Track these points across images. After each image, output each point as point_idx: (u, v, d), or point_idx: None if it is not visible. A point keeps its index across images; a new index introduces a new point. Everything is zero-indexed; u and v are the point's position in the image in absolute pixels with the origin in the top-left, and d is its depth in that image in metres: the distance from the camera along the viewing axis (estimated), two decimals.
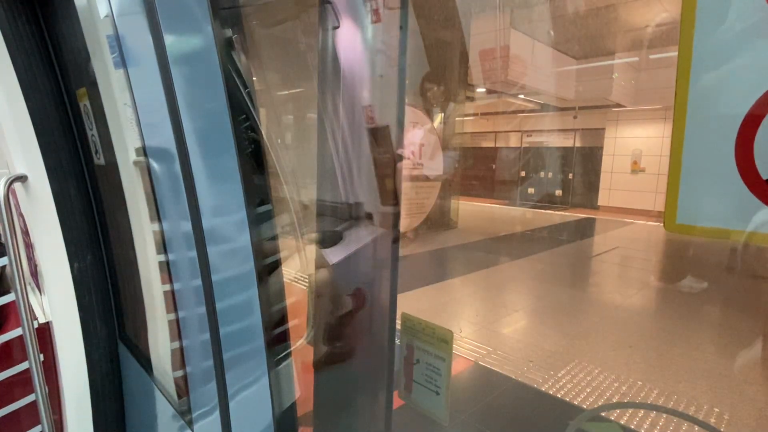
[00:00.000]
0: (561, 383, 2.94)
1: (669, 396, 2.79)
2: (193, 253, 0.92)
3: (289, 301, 1.13)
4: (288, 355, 1.11)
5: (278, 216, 1.12)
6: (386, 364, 1.03)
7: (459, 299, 4.73)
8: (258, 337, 0.97)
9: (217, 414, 1.02)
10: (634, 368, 3.17)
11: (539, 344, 3.58)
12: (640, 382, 2.95)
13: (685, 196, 0.30)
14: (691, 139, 0.30)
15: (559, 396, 2.79)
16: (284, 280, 1.11)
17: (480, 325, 3.96)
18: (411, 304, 4.27)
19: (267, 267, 1.02)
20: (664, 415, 2.60)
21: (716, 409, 2.63)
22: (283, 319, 1.11)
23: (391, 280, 1.06)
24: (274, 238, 1.07)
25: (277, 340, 1.07)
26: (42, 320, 1.42)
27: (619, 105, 10.45)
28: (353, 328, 1.09)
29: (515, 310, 4.47)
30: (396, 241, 1.10)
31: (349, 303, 1.08)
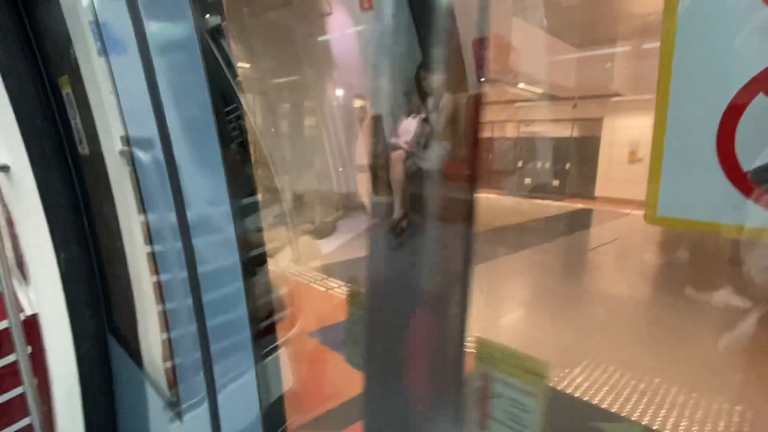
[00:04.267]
0: (577, 381, 2.80)
1: (688, 394, 2.68)
2: (178, 245, 0.91)
3: (278, 292, 1.12)
4: (276, 347, 1.11)
5: (266, 206, 1.10)
6: (452, 394, 0.85)
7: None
8: (245, 329, 0.96)
9: (205, 404, 1.02)
10: (649, 364, 3.01)
11: (550, 340, 3.43)
12: (657, 380, 2.80)
13: (666, 189, 0.29)
14: (673, 131, 0.29)
15: (576, 395, 2.65)
16: (272, 271, 1.10)
17: (487, 321, 3.84)
18: None
19: (253, 258, 1.01)
20: (687, 414, 2.52)
21: (738, 408, 2.50)
22: (271, 311, 1.10)
23: (461, 291, 0.84)
24: (261, 228, 1.06)
25: (264, 332, 1.06)
26: (29, 312, 1.40)
27: (618, 94, 10.35)
28: (412, 346, 0.86)
29: (521, 304, 4.34)
30: (469, 242, 0.83)
31: (408, 316, 0.87)
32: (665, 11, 0.28)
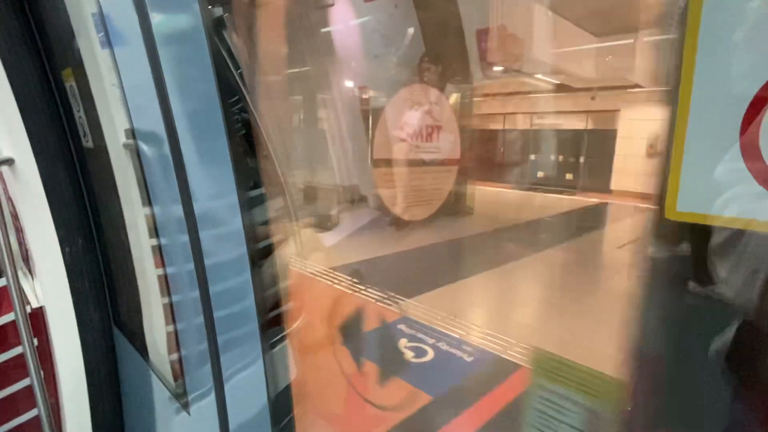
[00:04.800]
0: None
1: None
2: (185, 238, 0.91)
3: (284, 284, 1.12)
4: (283, 338, 1.11)
5: (272, 199, 1.10)
6: None
7: (500, 296, 4.15)
8: (252, 321, 0.97)
9: (212, 396, 1.02)
10: None
11: (611, 353, 3.01)
12: None
13: (687, 183, 0.29)
14: (695, 122, 0.29)
15: None
16: (279, 263, 1.11)
17: (537, 330, 3.37)
18: (445, 304, 3.69)
19: (260, 250, 1.01)
20: None
21: None
22: (277, 303, 1.10)
23: None
24: (267, 221, 1.06)
25: (271, 323, 1.06)
26: (35, 305, 1.41)
27: (638, 86, 9.99)
28: None
29: (567, 311, 3.78)
30: None
31: None
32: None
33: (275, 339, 1.09)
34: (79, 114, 1.26)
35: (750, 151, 0.26)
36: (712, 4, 0.27)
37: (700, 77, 0.27)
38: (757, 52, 0.26)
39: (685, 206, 0.30)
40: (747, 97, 0.25)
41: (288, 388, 1.13)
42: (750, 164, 0.26)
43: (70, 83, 1.24)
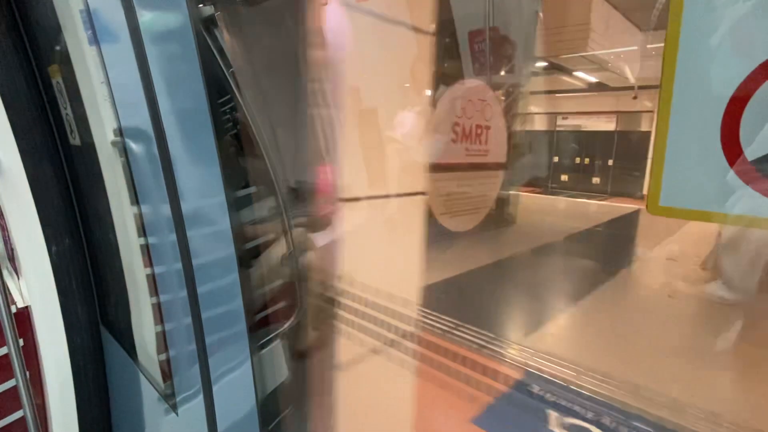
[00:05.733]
0: None
1: None
2: (173, 237, 0.90)
3: (273, 285, 1.11)
4: (271, 339, 1.11)
5: (261, 198, 1.09)
6: None
7: (634, 344, 2.82)
8: (240, 321, 0.96)
9: (201, 397, 1.02)
10: None
11: None
12: None
13: (669, 178, 0.29)
14: (677, 120, 0.29)
15: None
16: (268, 263, 1.10)
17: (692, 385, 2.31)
18: (565, 351, 2.58)
19: (249, 251, 1.00)
20: None
21: None
22: (266, 304, 1.10)
23: None
24: (257, 220, 1.05)
25: (260, 324, 1.06)
26: (21, 304, 1.39)
27: None
28: None
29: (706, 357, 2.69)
30: None
31: None
32: (671, 1, 0.28)
33: (264, 340, 1.08)
34: (66, 111, 1.24)
35: (731, 147, 0.26)
36: (692, 8, 0.27)
37: (681, 75, 0.28)
38: (735, 51, 0.26)
39: (668, 201, 0.30)
40: (727, 94, 0.25)
41: (277, 390, 1.12)
42: (731, 159, 0.26)
43: (57, 80, 1.23)
